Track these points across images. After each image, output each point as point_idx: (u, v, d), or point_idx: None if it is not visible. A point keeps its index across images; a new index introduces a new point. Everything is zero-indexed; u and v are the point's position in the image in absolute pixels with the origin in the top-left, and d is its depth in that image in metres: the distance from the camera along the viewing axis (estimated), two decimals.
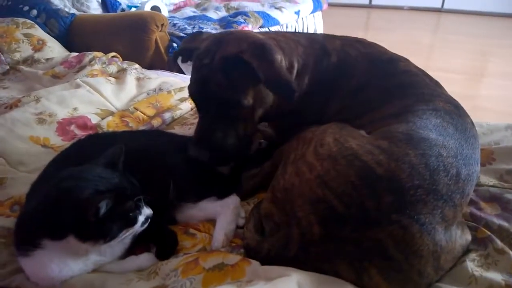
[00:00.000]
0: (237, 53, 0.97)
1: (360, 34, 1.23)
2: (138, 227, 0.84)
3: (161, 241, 0.94)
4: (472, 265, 0.84)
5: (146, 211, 0.86)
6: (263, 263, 0.84)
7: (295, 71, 1.10)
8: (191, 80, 1.06)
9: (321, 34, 1.24)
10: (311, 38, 1.18)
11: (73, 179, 0.80)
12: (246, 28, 2.65)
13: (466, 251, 0.88)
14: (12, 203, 1.04)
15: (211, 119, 1.02)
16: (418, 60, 1.19)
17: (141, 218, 0.84)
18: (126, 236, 0.83)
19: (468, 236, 0.89)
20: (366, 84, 1.09)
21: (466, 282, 0.82)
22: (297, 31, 1.29)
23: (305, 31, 3.41)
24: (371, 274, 0.76)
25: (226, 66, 0.98)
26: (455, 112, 0.97)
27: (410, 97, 1.02)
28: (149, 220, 0.86)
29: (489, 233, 0.91)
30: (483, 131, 1.28)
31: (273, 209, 0.90)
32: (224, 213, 0.99)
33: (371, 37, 1.20)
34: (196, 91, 1.04)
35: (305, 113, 1.14)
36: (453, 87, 1.14)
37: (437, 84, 1.11)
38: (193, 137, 1.04)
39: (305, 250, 0.81)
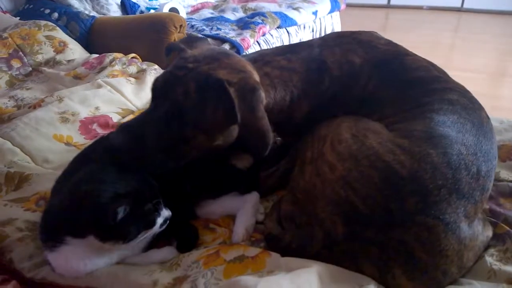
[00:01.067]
0: (223, 80, 0.87)
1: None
2: (156, 229, 0.85)
3: (182, 235, 0.96)
4: (491, 259, 0.84)
5: (165, 213, 0.86)
6: (283, 254, 0.85)
7: (288, 104, 1.03)
8: (164, 71, 0.94)
9: (319, 42, 1.13)
10: (308, 57, 1.07)
11: (94, 182, 0.82)
12: (264, 29, 2.67)
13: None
14: (38, 198, 1.07)
15: (154, 118, 0.88)
16: (438, 60, 1.16)
17: (159, 220, 0.85)
18: (145, 237, 0.85)
19: (490, 232, 0.89)
20: (373, 91, 1.03)
21: (485, 276, 0.82)
22: (297, 43, 1.12)
23: (322, 31, 3.40)
24: (396, 274, 0.77)
25: (205, 83, 0.87)
26: (470, 107, 0.94)
27: (423, 92, 0.98)
28: (168, 222, 0.87)
29: (508, 228, 0.91)
30: (504, 127, 1.27)
31: (295, 211, 0.91)
32: (244, 208, 1.00)
33: (390, 38, 1.16)
34: (161, 83, 0.91)
35: (297, 132, 1.08)
36: (473, 86, 1.12)
37: (444, 73, 1.06)
38: (126, 122, 0.90)
39: (329, 249, 0.81)
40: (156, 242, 0.93)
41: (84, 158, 1.05)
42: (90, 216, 0.77)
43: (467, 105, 0.94)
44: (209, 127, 0.89)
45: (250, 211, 1.00)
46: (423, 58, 1.09)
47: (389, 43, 1.13)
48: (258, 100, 0.89)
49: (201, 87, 0.87)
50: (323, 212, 0.82)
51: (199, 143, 0.91)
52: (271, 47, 2.72)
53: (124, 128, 0.88)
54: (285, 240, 0.88)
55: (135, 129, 0.88)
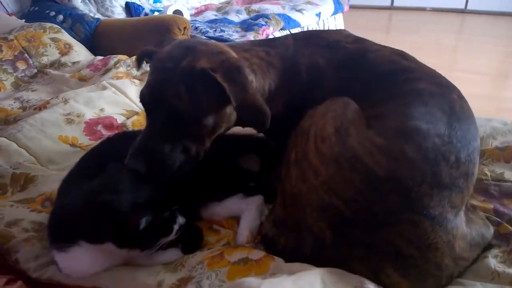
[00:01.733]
0: (207, 68, 0.86)
1: (381, 36, 1.22)
2: (172, 236, 0.86)
3: (186, 237, 0.96)
4: (494, 261, 0.84)
5: (180, 220, 0.87)
6: (280, 256, 0.86)
7: (266, 96, 1.04)
8: (147, 82, 0.92)
9: (292, 42, 1.12)
10: (284, 55, 1.08)
11: (111, 191, 0.82)
12: (267, 31, 2.68)
13: (488, 246, 0.88)
14: (44, 199, 1.08)
15: (158, 129, 0.89)
16: (442, 61, 1.16)
17: (175, 227, 0.85)
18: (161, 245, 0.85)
19: (490, 229, 0.90)
20: (342, 89, 1.01)
21: (488, 278, 0.82)
22: (272, 38, 1.13)
23: None
24: (388, 273, 0.77)
25: (191, 78, 0.87)
26: (438, 93, 0.92)
27: (391, 86, 0.97)
28: (182, 228, 0.87)
29: (511, 228, 0.90)
30: (508, 129, 1.27)
31: (285, 215, 0.91)
32: (249, 210, 1.01)
33: (393, 39, 1.18)
34: (149, 95, 0.90)
35: (281, 133, 1.06)
36: (477, 88, 1.12)
37: (416, 62, 1.05)
38: (132, 145, 0.90)
39: (318, 253, 0.82)
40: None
41: (91, 160, 1.06)
42: (111, 225, 0.78)
43: (434, 92, 0.92)
44: (209, 116, 0.90)
45: (254, 213, 1.00)
46: (392, 50, 1.08)
47: (357, 40, 1.13)
48: (246, 77, 0.89)
49: (189, 84, 0.87)
50: (310, 218, 0.82)
51: (206, 135, 0.93)
52: None
53: (135, 151, 0.88)
54: (280, 242, 0.88)
55: (145, 149, 0.88)
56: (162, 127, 0.89)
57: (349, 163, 0.80)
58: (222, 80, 0.85)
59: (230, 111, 0.95)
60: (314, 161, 0.85)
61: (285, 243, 0.87)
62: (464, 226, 0.83)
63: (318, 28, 3.30)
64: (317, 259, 0.81)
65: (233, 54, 0.97)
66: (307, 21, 3.10)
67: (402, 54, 1.07)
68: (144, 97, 0.91)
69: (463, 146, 0.83)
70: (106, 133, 1.38)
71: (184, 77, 0.87)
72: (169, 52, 0.92)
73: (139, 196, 0.81)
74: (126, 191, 0.81)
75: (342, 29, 1.16)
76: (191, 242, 0.95)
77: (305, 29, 3.13)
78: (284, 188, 0.92)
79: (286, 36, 1.17)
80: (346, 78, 1.03)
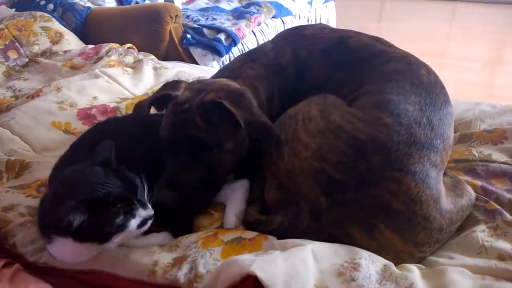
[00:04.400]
0: (215, 98, 0.97)
1: (373, 25, 1.25)
2: (133, 230, 0.83)
3: (175, 225, 0.97)
4: (482, 235, 0.87)
5: (143, 212, 0.84)
6: (276, 235, 0.88)
7: (265, 107, 1.12)
8: (165, 123, 1.01)
9: (271, 46, 1.23)
10: (267, 62, 1.17)
11: (64, 186, 0.83)
12: (259, 18, 2.68)
13: (476, 221, 0.92)
14: (39, 185, 1.10)
15: (184, 163, 0.97)
16: (434, 49, 1.20)
17: (134, 222, 0.82)
18: (124, 238, 0.85)
19: (466, 186, 0.97)
20: (326, 77, 1.12)
21: (476, 251, 0.85)
22: (251, 50, 1.34)
23: (317, 21, 3.40)
24: (381, 229, 0.83)
25: (205, 111, 0.97)
26: (407, 69, 1.04)
27: (368, 69, 1.07)
28: (150, 221, 0.85)
29: (498, 206, 0.94)
30: (496, 111, 1.30)
31: (281, 196, 0.94)
32: (233, 196, 1.02)
33: (385, 28, 1.22)
34: (171, 134, 0.99)
35: None
36: (470, 75, 1.15)
37: (389, 45, 1.15)
38: (161, 179, 0.96)
39: (316, 220, 0.86)
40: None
41: (80, 147, 1.06)
42: (54, 223, 0.79)
43: (404, 69, 1.04)
44: (229, 142, 0.99)
45: (239, 198, 1.02)
46: (368, 36, 1.18)
47: (334, 30, 1.24)
48: (250, 100, 1.01)
49: (204, 115, 0.97)
50: (305, 187, 0.88)
51: (229, 162, 1.02)
52: (267, 37, 2.74)
53: (164, 184, 0.94)
54: (276, 221, 0.91)
55: (174, 181, 0.95)
56: (187, 160, 0.97)
57: (333, 133, 0.90)
58: (230, 105, 0.95)
59: (244, 134, 1.02)
60: (303, 137, 0.93)
61: (281, 220, 0.90)
62: (448, 187, 0.91)
63: (310, 16, 3.31)
64: (314, 229, 0.86)
65: (236, 84, 1.08)
66: (299, 9, 3.10)
67: (377, 39, 1.16)
68: (167, 136, 1.00)
69: (433, 111, 0.94)
70: (101, 118, 1.38)
71: (198, 110, 0.97)
72: (183, 95, 1.02)
73: (86, 192, 0.79)
74: (74, 186, 0.82)
75: (318, 23, 1.26)
76: (180, 231, 0.95)
77: (297, 17, 3.13)
78: (277, 169, 0.95)
79: (264, 44, 1.31)
80: (327, 66, 1.13)
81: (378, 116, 0.90)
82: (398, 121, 0.89)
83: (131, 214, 0.82)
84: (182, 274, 0.79)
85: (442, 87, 1.03)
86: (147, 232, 0.92)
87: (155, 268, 0.81)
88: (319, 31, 1.23)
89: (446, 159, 0.94)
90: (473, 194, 0.97)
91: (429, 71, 1.06)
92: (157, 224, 0.94)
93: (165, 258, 0.83)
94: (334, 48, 1.15)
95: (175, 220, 0.99)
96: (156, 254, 0.84)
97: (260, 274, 0.68)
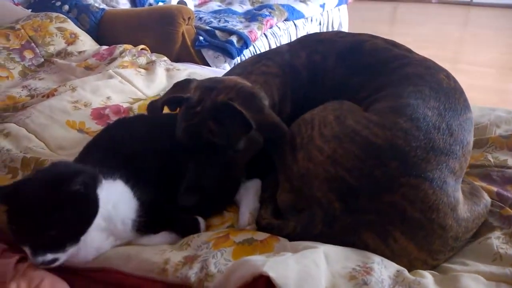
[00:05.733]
0: (227, 100, 0.98)
1: (386, 28, 1.25)
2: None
3: (182, 227, 0.98)
4: (497, 242, 0.86)
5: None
6: (289, 240, 0.87)
7: (277, 106, 1.13)
8: (179, 127, 1.03)
9: (287, 48, 1.25)
10: (282, 62, 1.19)
11: None
12: (271, 21, 2.68)
13: (491, 228, 0.91)
14: None
15: (202, 166, 0.99)
16: (447, 53, 1.20)
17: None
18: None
19: (483, 193, 0.95)
20: (342, 82, 1.11)
21: (490, 258, 0.84)
22: (267, 51, 1.35)
23: (329, 24, 3.40)
24: (396, 236, 0.81)
25: (216, 113, 0.98)
26: (426, 73, 1.02)
27: (385, 73, 1.06)
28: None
29: None
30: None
31: (294, 198, 0.94)
32: (247, 194, 1.04)
33: (397, 31, 1.22)
34: (185, 138, 1.01)
35: None
36: (483, 81, 1.14)
37: (407, 50, 1.14)
38: (184, 184, 0.99)
39: (329, 226, 0.85)
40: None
41: (89, 149, 1.08)
42: None
43: (423, 73, 1.02)
44: (240, 141, 1.00)
45: (253, 197, 1.03)
46: (384, 40, 1.17)
47: (350, 35, 1.22)
48: (261, 101, 1.01)
49: (215, 117, 0.98)
50: (319, 191, 0.87)
51: (241, 160, 1.04)
52: (279, 40, 2.75)
53: (187, 190, 0.97)
54: (289, 226, 0.90)
55: (195, 186, 0.98)
56: (205, 163, 0.99)
57: (348, 137, 0.89)
58: (240, 106, 0.96)
59: (256, 134, 1.02)
60: (319, 142, 0.92)
61: (294, 226, 0.90)
62: (465, 194, 0.89)
63: (322, 20, 3.30)
64: (327, 235, 0.85)
65: (247, 83, 1.08)
66: (311, 12, 3.10)
67: (393, 43, 1.15)
68: (183, 141, 1.02)
69: (453, 116, 0.92)
70: (114, 118, 1.39)
71: (210, 113, 0.98)
72: (194, 97, 1.03)
73: None
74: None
75: (335, 30, 1.26)
76: (187, 231, 0.96)
77: (309, 20, 3.14)
78: (291, 172, 0.95)
79: (280, 46, 1.33)
80: (344, 70, 1.12)
81: (396, 121, 0.88)
82: (417, 126, 0.86)
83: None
84: (193, 273, 0.79)
85: (461, 92, 1.01)
86: (155, 232, 0.94)
87: (166, 266, 0.82)
88: (335, 35, 1.23)
89: (465, 166, 0.91)
90: (489, 200, 0.95)
91: (449, 76, 1.04)
92: (165, 225, 0.96)
93: (175, 256, 0.83)
94: (349, 52, 1.14)
95: (183, 220, 0.99)
96: (167, 253, 0.85)
97: (272, 274, 0.67)
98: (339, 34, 1.25)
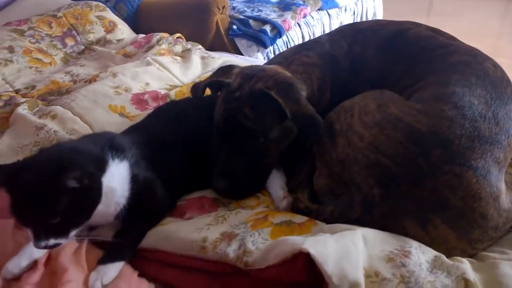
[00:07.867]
0: (264, 88, 1.00)
1: (421, 20, 1.22)
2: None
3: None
4: None
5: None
6: (327, 224, 0.89)
7: (316, 95, 1.14)
8: (218, 111, 1.07)
9: (327, 38, 1.26)
10: (322, 51, 1.19)
11: None
12: (305, 10, 2.68)
13: None
14: None
15: (235, 151, 1.02)
16: (485, 47, 1.17)
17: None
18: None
19: None
20: (382, 71, 1.11)
21: None
22: (306, 42, 1.39)
23: (364, 14, 3.35)
24: (436, 224, 0.81)
25: (253, 100, 1.01)
26: (472, 61, 1.01)
27: (429, 61, 1.05)
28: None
29: None
30: None
31: (332, 183, 0.95)
32: (272, 176, 1.07)
33: (433, 24, 1.19)
34: (224, 122, 1.04)
35: None
36: None
37: (451, 38, 1.12)
38: (216, 169, 1.03)
39: (368, 211, 0.85)
40: None
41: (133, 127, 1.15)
42: None
43: (468, 61, 1.01)
44: (273, 130, 1.02)
45: (278, 175, 1.07)
46: (427, 27, 1.15)
47: (391, 23, 1.21)
48: (298, 91, 1.02)
49: (252, 104, 1.01)
50: (358, 177, 0.88)
51: (274, 148, 1.05)
52: (312, 30, 2.73)
53: (219, 174, 1.02)
54: (328, 211, 0.92)
55: (227, 171, 1.02)
56: (238, 149, 1.02)
57: (391, 124, 0.88)
58: (277, 95, 0.98)
59: (291, 124, 1.04)
60: (359, 128, 0.92)
61: (332, 210, 0.91)
62: (507, 185, 0.87)
63: (356, 9, 3.26)
64: (366, 220, 0.85)
65: (286, 73, 1.09)
66: (345, 1, 3.07)
67: (437, 31, 1.14)
68: (220, 125, 1.05)
69: (499, 105, 0.90)
70: (152, 103, 1.44)
71: (247, 99, 1.01)
72: (234, 83, 1.06)
73: None
74: None
75: (374, 19, 1.25)
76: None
77: (343, 10, 3.10)
78: (330, 158, 0.96)
79: (320, 36, 1.33)
80: (385, 59, 1.11)
81: (441, 108, 0.87)
82: (462, 114, 0.86)
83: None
84: (231, 249, 0.81)
85: (508, 81, 0.99)
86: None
87: (205, 244, 0.84)
88: (374, 24, 1.23)
89: (509, 156, 0.90)
90: None
91: (495, 65, 1.03)
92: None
93: (213, 233, 0.86)
94: (391, 41, 1.14)
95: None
96: (204, 231, 0.88)
97: (312, 251, 0.69)
98: (379, 22, 1.24)
